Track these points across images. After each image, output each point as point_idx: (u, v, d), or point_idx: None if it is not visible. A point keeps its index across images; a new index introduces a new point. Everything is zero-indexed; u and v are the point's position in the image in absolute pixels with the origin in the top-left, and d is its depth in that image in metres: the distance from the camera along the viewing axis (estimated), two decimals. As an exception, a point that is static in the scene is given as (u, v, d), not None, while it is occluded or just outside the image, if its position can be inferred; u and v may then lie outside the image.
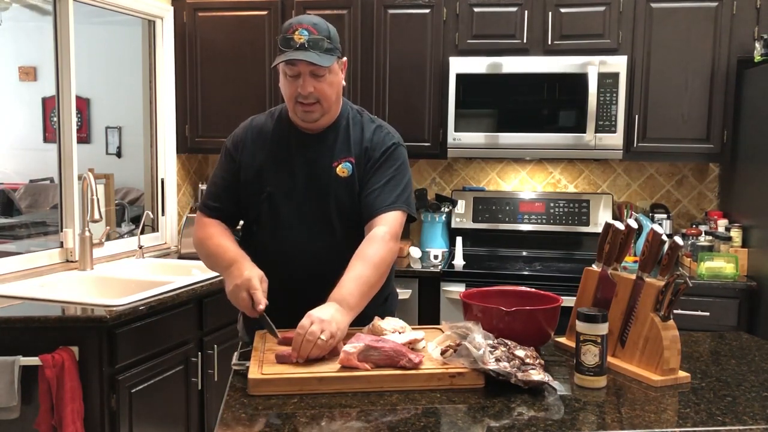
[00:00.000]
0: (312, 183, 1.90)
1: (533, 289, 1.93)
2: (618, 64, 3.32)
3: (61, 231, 3.20)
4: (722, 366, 1.74)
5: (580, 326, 1.54)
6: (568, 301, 1.80)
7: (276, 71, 1.92)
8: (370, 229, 1.85)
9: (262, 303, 1.71)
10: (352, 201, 1.89)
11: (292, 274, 1.88)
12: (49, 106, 5.95)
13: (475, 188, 3.93)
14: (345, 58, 1.94)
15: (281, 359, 1.58)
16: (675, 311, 1.66)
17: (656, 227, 1.69)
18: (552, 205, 3.74)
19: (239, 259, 1.81)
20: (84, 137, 6.27)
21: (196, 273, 3.03)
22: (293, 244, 1.89)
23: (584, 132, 3.35)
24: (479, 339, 1.52)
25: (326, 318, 1.58)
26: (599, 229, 2.27)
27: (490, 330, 1.61)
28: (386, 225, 1.83)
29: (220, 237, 1.91)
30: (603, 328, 1.53)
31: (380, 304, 1.99)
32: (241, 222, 2.04)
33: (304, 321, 1.58)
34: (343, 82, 1.92)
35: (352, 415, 1.38)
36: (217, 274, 2.86)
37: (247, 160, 1.94)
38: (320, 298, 1.85)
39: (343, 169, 1.90)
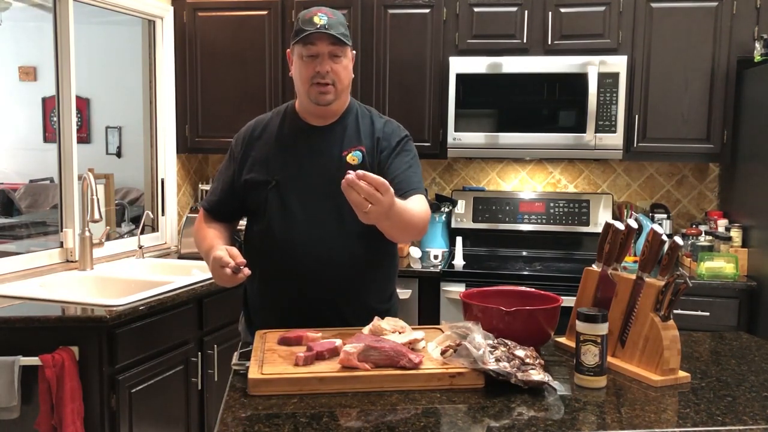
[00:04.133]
0: (321, 172, 1.92)
1: (533, 289, 1.93)
2: (618, 64, 3.32)
3: (61, 231, 3.20)
4: (722, 366, 1.74)
5: (580, 326, 1.54)
6: (568, 301, 1.80)
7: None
8: None
9: (231, 264, 1.71)
10: None
11: (301, 262, 1.89)
12: (49, 106, 5.95)
13: (475, 188, 3.93)
14: (354, 52, 1.98)
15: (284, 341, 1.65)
16: (675, 311, 1.66)
17: (656, 227, 1.69)
18: (552, 205, 3.74)
19: (213, 245, 1.86)
20: (84, 137, 6.27)
21: (196, 273, 3.03)
22: (301, 232, 1.90)
23: (584, 132, 3.35)
24: (479, 339, 1.52)
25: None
26: (599, 229, 2.27)
27: (490, 330, 1.61)
28: (420, 200, 1.87)
29: (207, 231, 1.98)
30: (603, 328, 1.53)
31: (385, 300, 2.01)
32: (244, 220, 2.08)
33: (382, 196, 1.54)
34: (353, 74, 1.96)
35: (352, 415, 1.38)
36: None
37: (251, 155, 1.97)
38: (328, 285, 1.86)
39: (353, 157, 1.91)
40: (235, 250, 1.76)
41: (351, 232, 1.89)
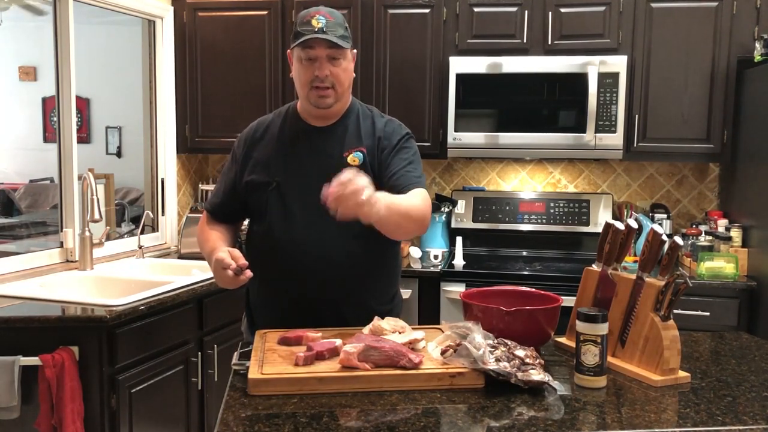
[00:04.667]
0: (321, 173, 1.90)
1: (533, 289, 1.93)
2: (618, 64, 3.32)
3: (61, 231, 3.20)
4: (722, 366, 1.74)
5: (580, 326, 1.54)
6: (568, 301, 1.80)
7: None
8: None
9: (233, 266, 1.71)
10: None
11: (301, 263, 1.89)
12: (49, 106, 5.96)
13: (475, 188, 3.93)
14: (355, 50, 1.97)
15: (284, 341, 1.63)
16: (675, 311, 1.66)
17: (656, 227, 1.69)
18: (552, 205, 3.74)
19: (215, 247, 1.86)
20: (84, 137, 6.27)
21: (196, 273, 3.04)
22: (302, 233, 1.90)
23: (584, 132, 3.35)
24: (479, 339, 1.52)
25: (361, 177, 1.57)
26: (599, 229, 2.27)
27: (490, 330, 1.61)
28: (420, 193, 1.85)
29: (209, 233, 1.99)
30: (603, 328, 1.53)
31: (387, 302, 2.01)
32: (247, 220, 2.09)
33: (340, 177, 1.55)
34: (353, 74, 1.95)
35: (352, 415, 1.38)
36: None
37: (253, 157, 1.97)
38: (328, 286, 1.86)
39: (354, 158, 1.91)
40: (237, 252, 1.76)
41: (351, 234, 1.88)
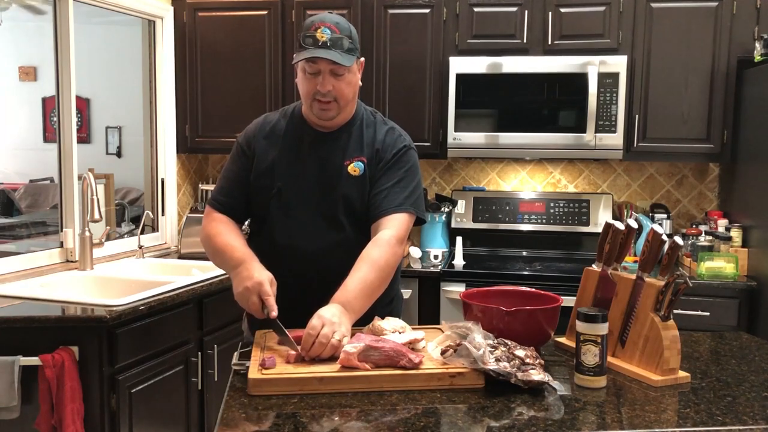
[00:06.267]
0: (322, 180, 1.91)
1: (533, 289, 1.93)
2: (618, 64, 3.32)
3: (61, 231, 3.20)
4: (722, 366, 1.74)
5: (580, 326, 1.54)
6: (568, 301, 1.80)
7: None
8: (376, 230, 1.86)
9: (275, 310, 1.71)
10: (362, 199, 1.90)
11: (301, 269, 1.89)
12: (49, 106, 5.96)
13: (475, 188, 3.93)
14: (363, 59, 1.96)
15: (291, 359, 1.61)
16: (675, 311, 1.66)
17: (656, 227, 1.69)
18: (552, 205, 3.74)
19: (247, 259, 1.80)
20: (84, 137, 6.27)
21: (196, 273, 3.03)
22: (302, 239, 1.90)
23: (584, 132, 3.35)
24: (479, 339, 1.52)
25: (336, 321, 1.60)
26: (599, 229, 2.27)
27: (490, 330, 1.61)
28: (392, 228, 1.84)
29: (228, 235, 1.90)
30: (603, 328, 1.53)
31: (386, 305, 2.00)
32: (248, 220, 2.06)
33: (315, 322, 1.58)
34: (360, 82, 1.94)
35: (352, 415, 1.38)
36: (217, 273, 2.89)
37: (259, 156, 1.95)
38: (327, 293, 1.86)
39: (354, 168, 1.90)
40: (274, 287, 1.75)
41: (350, 240, 1.88)
